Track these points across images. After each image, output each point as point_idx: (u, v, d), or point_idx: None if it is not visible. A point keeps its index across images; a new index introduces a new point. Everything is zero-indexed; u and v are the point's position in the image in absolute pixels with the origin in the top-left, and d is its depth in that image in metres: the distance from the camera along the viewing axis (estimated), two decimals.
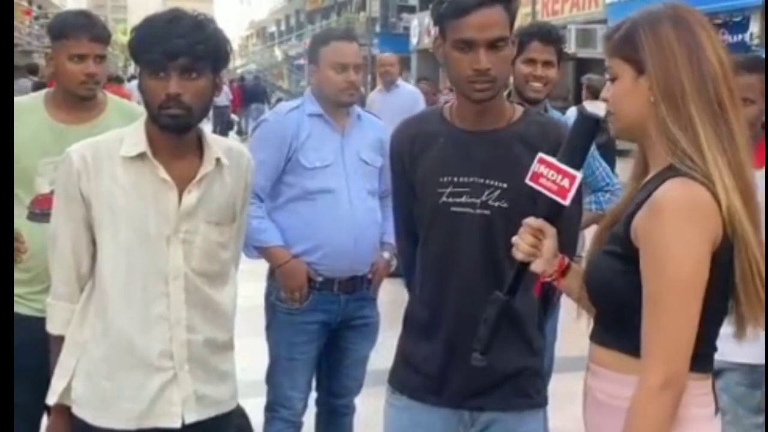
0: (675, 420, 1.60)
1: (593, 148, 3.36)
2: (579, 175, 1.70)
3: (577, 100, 7.53)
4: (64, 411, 2.13)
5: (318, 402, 3.38)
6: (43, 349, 2.68)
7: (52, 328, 2.17)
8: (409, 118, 2.35)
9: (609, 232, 1.71)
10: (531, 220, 1.76)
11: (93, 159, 2.07)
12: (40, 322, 2.66)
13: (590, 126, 1.75)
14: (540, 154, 1.76)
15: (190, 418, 2.12)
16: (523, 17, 21.03)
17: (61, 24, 2.75)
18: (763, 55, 4.55)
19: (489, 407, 2.13)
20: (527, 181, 1.77)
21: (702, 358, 1.64)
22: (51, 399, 2.14)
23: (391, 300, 3.42)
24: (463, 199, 2.07)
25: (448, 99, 5.47)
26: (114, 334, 2.08)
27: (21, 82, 13.52)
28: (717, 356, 2.60)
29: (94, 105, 2.75)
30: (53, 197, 2.64)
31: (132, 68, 46.07)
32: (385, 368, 2.34)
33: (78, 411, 2.11)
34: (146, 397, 2.09)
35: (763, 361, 2.61)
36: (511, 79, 3.19)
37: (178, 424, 2.11)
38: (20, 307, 2.69)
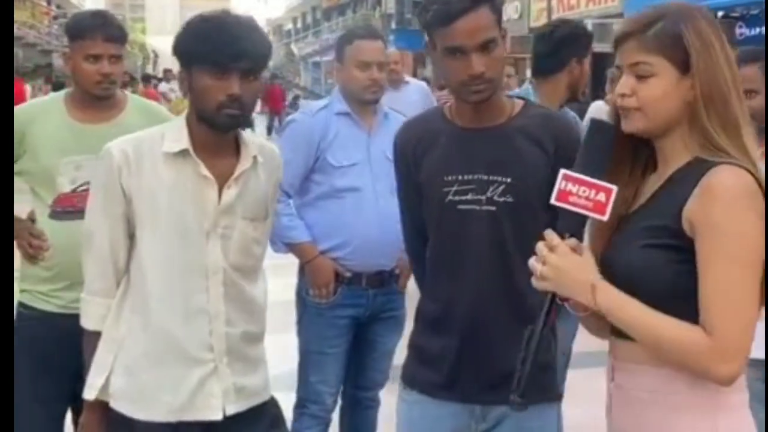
0: (732, 407, 1.62)
1: None
2: (615, 188, 1.61)
3: (594, 96, 7.50)
4: (99, 406, 2.14)
5: (344, 395, 3.41)
6: (67, 344, 2.72)
7: (88, 323, 2.17)
8: (410, 119, 2.37)
9: (636, 227, 1.66)
10: (567, 242, 1.63)
11: (134, 154, 2.08)
12: (63, 318, 2.70)
13: (608, 133, 1.68)
14: (563, 171, 1.65)
15: (231, 410, 2.13)
16: (538, 12, 21.02)
17: (77, 24, 2.77)
18: None
19: (500, 402, 2.11)
20: (553, 201, 1.64)
21: None
22: (90, 394, 2.14)
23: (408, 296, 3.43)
24: (469, 197, 2.08)
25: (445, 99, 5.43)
26: (154, 329, 2.10)
27: None
28: None
29: (113, 104, 2.77)
30: (74, 196, 2.68)
31: (151, 68, 46.25)
32: None
33: (116, 405, 2.12)
34: (187, 390, 2.11)
35: None
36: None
37: (219, 416, 2.12)
38: (44, 304, 2.73)
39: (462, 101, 2.11)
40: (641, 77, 1.63)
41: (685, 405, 1.62)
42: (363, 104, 3.17)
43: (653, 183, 1.70)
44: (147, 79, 20.62)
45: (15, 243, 2.69)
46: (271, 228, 2.31)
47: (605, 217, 1.61)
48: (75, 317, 2.69)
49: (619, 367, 1.71)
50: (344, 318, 3.17)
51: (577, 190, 1.62)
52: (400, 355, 3.36)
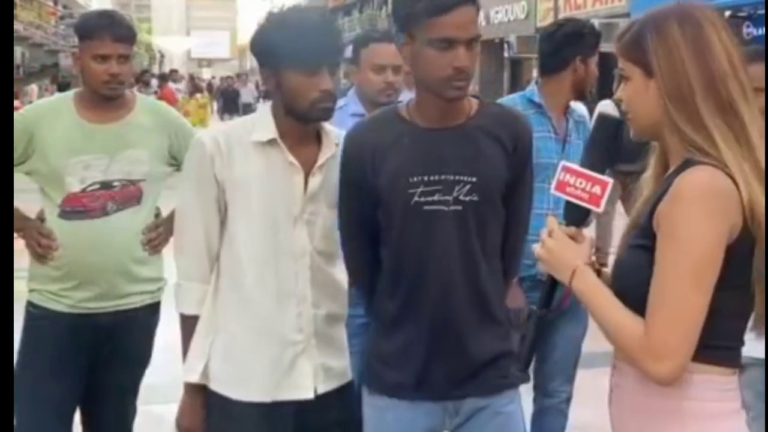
0: (700, 415, 1.61)
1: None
2: (611, 181, 1.68)
3: (601, 95, 7.48)
4: (199, 389, 2.19)
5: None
6: (76, 344, 2.73)
7: (185, 308, 2.21)
8: (362, 122, 2.31)
9: (637, 227, 1.70)
10: (565, 229, 1.71)
11: (225, 144, 2.15)
12: (73, 318, 2.71)
13: (611, 128, 1.75)
14: (563, 162, 1.74)
15: (321, 389, 2.20)
16: (545, 12, 20.99)
17: (86, 24, 2.77)
18: None
19: (471, 394, 2.16)
20: (552, 191, 1.74)
21: (727, 352, 1.63)
22: (192, 377, 2.18)
23: None
24: (436, 197, 2.07)
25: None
26: (249, 312, 2.16)
27: None
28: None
29: (122, 104, 2.78)
30: (83, 196, 2.68)
31: (157, 68, 46.26)
32: None
33: (215, 386, 2.18)
34: (280, 370, 2.17)
35: None
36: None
37: (311, 395, 2.19)
38: (53, 304, 2.73)
39: (436, 98, 2.07)
40: (625, 80, 1.69)
41: (657, 408, 1.63)
42: (378, 106, 3.17)
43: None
44: (164, 77, 20.37)
45: (24, 243, 2.70)
46: None
47: (600, 209, 1.69)
48: (85, 317, 2.73)
49: (616, 365, 1.74)
50: (358, 318, 3.17)
51: (575, 182, 1.71)
52: None
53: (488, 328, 2.14)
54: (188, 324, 2.22)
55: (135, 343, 2.85)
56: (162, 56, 56.14)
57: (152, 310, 2.86)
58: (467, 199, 2.07)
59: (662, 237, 1.56)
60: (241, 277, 2.17)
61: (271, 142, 2.15)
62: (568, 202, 1.72)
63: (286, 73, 2.09)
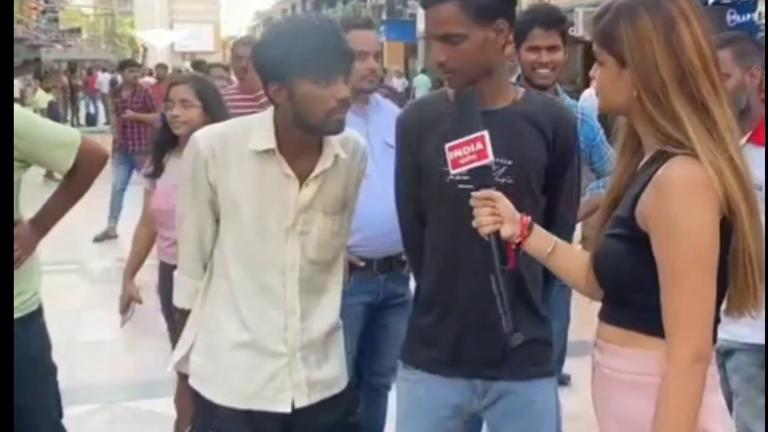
0: None
1: (601, 133, 3.36)
2: (485, 132, 1.81)
3: (587, 84, 7.50)
4: (184, 375, 2.24)
5: (358, 384, 3.39)
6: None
7: (176, 301, 2.26)
8: (415, 101, 2.42)
9: (612, 214, 1.73)
10: (475, 194, 1.83)
11: (221, 149, 2.10)
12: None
13: (472, 98, 1.88)
14: (446, 144, 1.85)
15: (300, 403, 2.17)
16: (529, 1, 20.94)
17: None
18: None
19: (502, 377, 2.18)
20: (451, 171, 1.86)
21: None
22: (169, 366, 2.24)
23: None
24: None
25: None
26: (232, 317, 2.15)
27: None
28: (728, 337, 2.61)
29: None
30: None
31: (141, 61, 45.92)
32: None
33: (193, 382, 2.20)
34: (258, 380, 2.15)
35: None
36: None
37: (287, 410, 2.16)
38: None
39: None
40: (599, 65, 1.71)
41: (638, 385, 1.67)
42: (361, 93, 3.17)
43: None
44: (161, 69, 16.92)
45: None
46: (351, 215, 2.33)
47: (490, 157, 1.82)
48: None
49: (597, 345, 1.79)
50: (360, 305, 3.16)
51: (462, 153, 1.84)
52: None
53: (523, 311, 2.13)
54: (180, 316, 2.25)
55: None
56: (145, 50, 55.71)
57: (21, 324, 2.57)
58: (502, 181, 2.09)
59: (661, 235, 1.59)
60: (228, 281, 2.15)
61: (269, 152, 2.09)
62: (469, 171, 1.84)
63: (300, 84, 2.00)
